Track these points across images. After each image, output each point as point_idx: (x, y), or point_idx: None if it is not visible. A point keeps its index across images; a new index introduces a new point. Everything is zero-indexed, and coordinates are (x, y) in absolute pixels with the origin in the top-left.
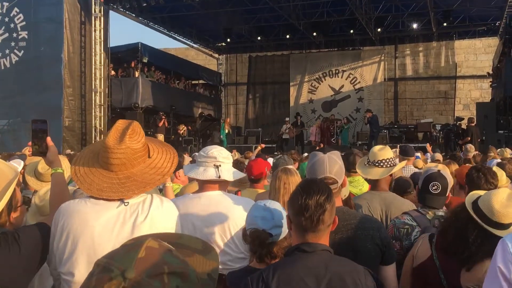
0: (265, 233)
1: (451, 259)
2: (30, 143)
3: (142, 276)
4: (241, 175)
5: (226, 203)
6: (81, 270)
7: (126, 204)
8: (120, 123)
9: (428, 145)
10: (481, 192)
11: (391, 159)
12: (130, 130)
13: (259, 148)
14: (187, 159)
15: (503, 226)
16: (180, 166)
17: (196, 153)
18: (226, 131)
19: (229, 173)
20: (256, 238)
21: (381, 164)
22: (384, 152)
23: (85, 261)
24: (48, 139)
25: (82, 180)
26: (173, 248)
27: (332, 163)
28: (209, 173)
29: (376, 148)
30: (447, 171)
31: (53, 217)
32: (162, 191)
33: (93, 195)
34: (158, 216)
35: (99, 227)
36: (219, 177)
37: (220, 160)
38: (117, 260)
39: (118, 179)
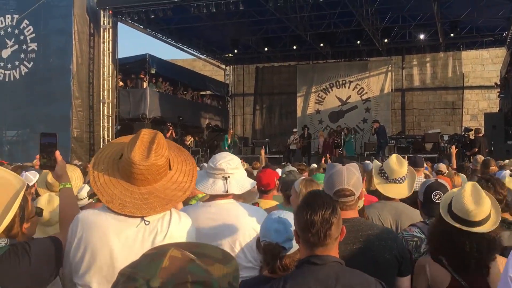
0: (278, 246)
1: (471, 275)
2: (38, 156)
3: (167, 285)
4: (252, 183)
5: (236, 212)
6: (98, 285)
7: (147, 223)
8: (146, 135)
9: (453, 148)
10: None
11: (407, 173)
12: (156, 144)
13: (262, 153)
14: None
15: (480, 223)
16: None
17: (204, 164)
18: (229, 142)
19: (238, 184)
20: (269, 252)
21: (400, 181)
22: (403, 169)
23: (102, 277)
24: (57, 153)
25: (103, 191)
26: (195, 258)
27: (350, 175)
28: (217, 187)
29: (394, 163)
30: (447, 180)
31: (71, 226)
32: None
33: (115, 210)
34: (177, 233)
35: (118, 244)
36: (227, 191)
37: (229, 172)
38: (141, 269)
39: (140, 194)
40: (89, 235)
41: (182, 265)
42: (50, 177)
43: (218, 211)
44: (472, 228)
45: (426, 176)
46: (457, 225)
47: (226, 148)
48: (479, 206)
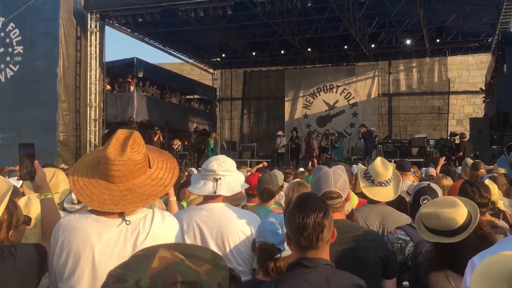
0: (274, 247)
1: None
2: (17, 167)
3: (156, 286)
4: (244, 186)
5: (228, 215)
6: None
7: (128, 223)
8: (121, 133)
9: (442, 159)
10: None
11: (392, 175)
12: (131, 140)
13: (261, 165)
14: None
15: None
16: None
17: (192, 168)
18: (212, 146)
19: (228, 186)
20: (265, 252)
21: (386, 183)
22: (388, 172)
23: (86, 280)
24: (36, 163)
25: (82, 192)
26: (184, 258)
27: (337, 177)
28: (207, 188)
29: (379, 166)
30: (438, 185)
31: (53, 232)
32: (167, 205)
33: (94, 208)
34: (160, 232)
35: (100, 246)
36: (215, 192)
37: (220, 174)
38: (131, 270)
39: (119, 191)
40: (70, 240)
41: (172, 265)
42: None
43: (210, 214)
44: (456, 237)
45: (420, 176)
46: (440, 239)
47: (207, 152)
48: (456, 212)
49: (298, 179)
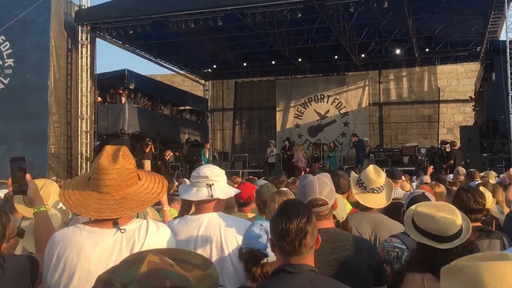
0: (260, 253)
1: None
2: (9, 181)
3: None
4: (236, 191)
5: (225, 224)
6: None
7: (122, 231)
8: (110, 148)
9: (430, 168)
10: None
11: (385, 183)
12: (122, 151)
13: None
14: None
15: (447, 239)
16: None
17: (185, 179)
18: (207, 156)
19: (222, 191)
20: (251, 258)
21: (378, 190)
22: (380, 179)
23: None
24: (27, 176)
25: (77, 206)
26: (174, 263)
27: (322, 185)
28: (202, 193)
29: (372, 173)
30: (428, 189)
31: (47, 247)
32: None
33: (92, 216)
34: (155, 242)
35: (95, 257)
36: (212, 196)
37: (213, 179)
38: (119, 275)
39: (114, 200)
40: (65, 252)
41: (160, 270)
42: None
43: (208, 224)
44: (445, 244)
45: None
46: (429, 242)
47: (203, 162)
48: (453, 220)
49: (281, 189)
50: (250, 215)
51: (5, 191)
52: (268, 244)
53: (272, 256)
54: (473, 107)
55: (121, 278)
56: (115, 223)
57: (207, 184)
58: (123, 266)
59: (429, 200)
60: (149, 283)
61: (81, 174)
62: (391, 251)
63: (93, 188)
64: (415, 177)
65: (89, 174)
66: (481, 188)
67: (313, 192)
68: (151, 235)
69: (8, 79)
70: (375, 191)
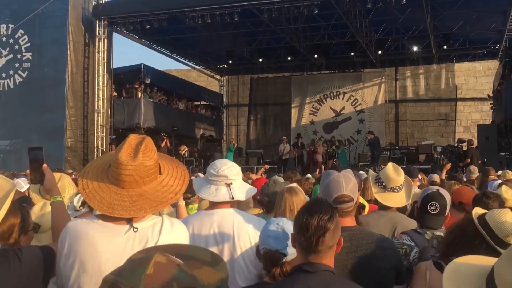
0: (278, 253)
1: None
2: (28, 171)
3: None
4: (254, 191)
5: (240, 220)
6: None
7: (135, 230)
8: (133, 138)
9: (448, 165)
10: (481, 211)
11: (404, 181)
12: (144, 146)
13: (263, 169)
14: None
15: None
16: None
17: (200, 174)
18: (232, 149)
19: (241, 190)
20: (269, 258)
21: (398, 189)
22: (400, 177)
23: (92, 286)
24: (45, 166)
25: (92, 196)
26: (181, 263)
27: (347, 181)
28: (222, 194)
29: (391, 171)
30: (448, 191)
31: (60, 237)
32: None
33: (104, 213)
34: (169, 241)
35: (107, 253)
36: (232, 198)
37: (232, 178)
38: (125, 277)
39: (129, 196)
40: (77, 245)
41: (167, 271)
42: None
43: (222, 220)
44: (497, 245)
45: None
46: (484, 234)
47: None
48: None
49: (290, 185)
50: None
51: (25, 179)
52: (287, 243)
53: (291, 254)
54: (491, 106)
55: (127, 280)
56: (129, 220)
57: (225, 184)
58: (129, 268)
59: (444, 197)
60: (156, 286)
61: (103, 156)
62: (399, 247)
63: (111, 181)
64: (430, 175)
65: (110, 159)
66: (503, 188)
67: (339, 189)
68: (165, 233)
69: (26, 72)
70: (395, 190)
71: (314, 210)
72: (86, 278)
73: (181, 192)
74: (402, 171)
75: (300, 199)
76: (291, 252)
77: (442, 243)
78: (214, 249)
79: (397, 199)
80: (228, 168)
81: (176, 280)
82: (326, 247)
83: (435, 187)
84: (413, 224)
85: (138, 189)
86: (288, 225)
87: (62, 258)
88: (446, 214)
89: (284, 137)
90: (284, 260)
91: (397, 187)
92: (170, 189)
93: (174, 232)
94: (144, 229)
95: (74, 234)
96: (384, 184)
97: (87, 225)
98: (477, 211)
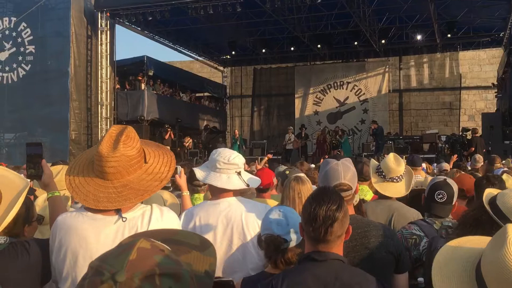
0: (280, 238)
1: None
2: (24, 166)
3: (133, 279)
4: (258, 181)
5: (246, 208)
6: None
7: (124, 220)
8: (114, 129)
9: (454, 157)
10: (494, 191)
11: (405, 171)
12: (124, 136)
13: (266, 159)
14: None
15: None
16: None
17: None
18: (238, 142)
19: (253, 179)
20: (271, 243)
21: (398, 179)
22: (400, 168)
23: None
24: (43, 162)
25: (78, 190)
26: (166, 248)
27: (346, 170)
28: (235, 182)
29: (392, 162)
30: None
31: (51, 231)
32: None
33: (90, 206)
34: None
35: (98, 245)
36: (248, 185)
37: (241, 167)
38: (108, 262)
39: (114, 188)
40: (67, 239)
41: (151, 257)
42: None
43: (229, 208)
44: None
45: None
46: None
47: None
48: None
49: (297, 175)
50: (270, 201)
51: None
52: (289, 230)
53: (293, 241)
54: (495, 94)
55: (110, 266)
56: (118, 211)
57: (236, 172)
58: (114, 253)
59: (451, 186)
60: (138, 271)
61: (88, 150)
62: (409, 238)
63: (96, 173)
64: (435, 164)
65: (94, 153)
66: (504, 176)
67: (337, 177)
68: (155, 222)
69: (29, 65)
70: (394, 180)
71: (322, 199)
72: (78, 270)
73: (167, 178)
74: (403, 162)
75: (307, 188)
76: (292, 239)
77: (457, 235)
78: (224, 239)
79: (397, 189)
80: (237, 157)
81: (159, 265)
82: (335, 236)
83: (442, 177)
84: (411, 212)
85: (122, 180)
86: (290, 212)
87: (54, 252)
88: (454, 203)
89: (290, 127)
90: (285, 246)
91: (396, 178)
92: (155, 177)
93: (164, 220)
94: (134, 218)
95: (64, 227)
96: (384, 174)
97: (76, 218)
98: (489, 192)
